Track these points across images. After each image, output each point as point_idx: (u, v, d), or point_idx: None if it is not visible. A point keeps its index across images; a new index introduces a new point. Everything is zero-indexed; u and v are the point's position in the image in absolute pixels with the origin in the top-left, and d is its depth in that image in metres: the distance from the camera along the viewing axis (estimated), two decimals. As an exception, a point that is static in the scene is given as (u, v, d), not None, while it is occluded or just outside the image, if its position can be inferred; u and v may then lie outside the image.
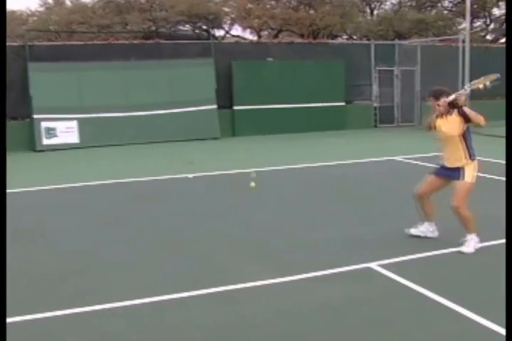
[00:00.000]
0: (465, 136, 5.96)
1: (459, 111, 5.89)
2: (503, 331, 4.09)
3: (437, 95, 5.98)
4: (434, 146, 6.67)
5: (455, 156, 5.99)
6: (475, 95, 18.91)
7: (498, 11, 32.33)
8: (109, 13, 30.47)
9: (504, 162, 10.80)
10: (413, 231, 6.48)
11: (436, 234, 6.41)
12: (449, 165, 6.06)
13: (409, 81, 20.14)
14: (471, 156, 5.97)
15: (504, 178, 9.26)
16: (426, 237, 6.40)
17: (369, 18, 33.51)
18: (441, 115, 6.01)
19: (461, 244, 5.98)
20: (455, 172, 6.00)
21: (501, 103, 21.72)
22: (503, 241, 6.18)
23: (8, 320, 4.26)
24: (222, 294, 5.00)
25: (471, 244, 5.96)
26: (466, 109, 5.85)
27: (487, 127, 6.07)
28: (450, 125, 5.93)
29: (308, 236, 6.66)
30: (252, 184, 8.89)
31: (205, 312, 4.65)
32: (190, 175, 10.82)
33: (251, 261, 5.89)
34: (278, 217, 7.69)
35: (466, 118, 5.84)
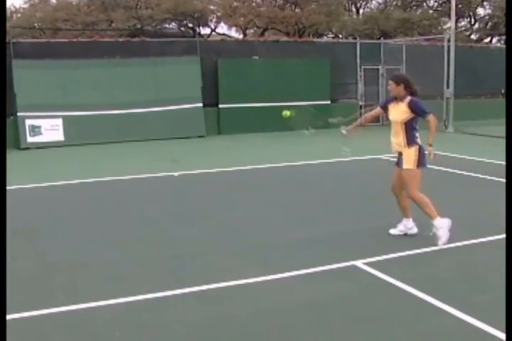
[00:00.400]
0: (407, 124, 6.03)
1: (410, 103, 5.97)
2: (488, 328, 4.11)
3: (399, 81, 6.06)
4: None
5: (397, 141, 6.11)
6: (459, 95, 19.12)
7: (483, 11, 32.63)
8: (94, 11, 30.37)
9: (496, 162, 10.95)
10: (392, 231, 6.49)
11: (415, 230, 6.41)
12: (393, 149, 6.22)
13: (394, 80, 20.17)
14: (410, 143, 6.02)
15: (496, 178, 9.39)
16: (407, 235, 6.40)
17: (355, 17, 33.65)
18: (395, 100, 6.12)
19: (435, 241, 5.97)
20: (399, 160, 6.15)
21: (488, 102, 21.99)
22: (487, 239, 6.25)
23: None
24: (205, 292, 4.97)
25: (440, 232, 5.95)
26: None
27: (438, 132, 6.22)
28: (397, 112, 6.07)
29: (292, 235, 6.66)
30: (287, 113, 7.38)
31: (189, 310, 4.63)
32: (176, 174, 10.79)
33: (234, 259, 5.86)
34: (262, 215, 7.67)
35: (416, 113, 5.99)
